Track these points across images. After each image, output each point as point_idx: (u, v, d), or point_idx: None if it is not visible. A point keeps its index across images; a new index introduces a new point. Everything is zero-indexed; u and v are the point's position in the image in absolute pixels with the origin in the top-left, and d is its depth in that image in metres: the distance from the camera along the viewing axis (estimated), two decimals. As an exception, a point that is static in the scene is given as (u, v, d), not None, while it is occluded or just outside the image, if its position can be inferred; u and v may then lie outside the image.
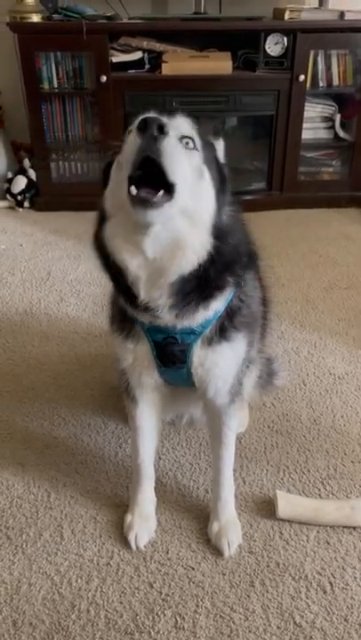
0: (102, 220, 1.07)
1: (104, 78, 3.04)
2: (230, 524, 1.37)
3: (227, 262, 1.07)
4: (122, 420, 1.67)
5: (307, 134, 3.30)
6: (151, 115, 0.96)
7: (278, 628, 1.18)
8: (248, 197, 3.33)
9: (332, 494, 1.50)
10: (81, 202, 3.10)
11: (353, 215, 3.32)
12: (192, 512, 1.45)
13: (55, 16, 3.00)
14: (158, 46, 3.08)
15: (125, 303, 1.13)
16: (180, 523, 1.42)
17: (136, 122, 0.97)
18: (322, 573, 1.29)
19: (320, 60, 3.18)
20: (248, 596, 1.24)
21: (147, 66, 3.12)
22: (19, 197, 3.36)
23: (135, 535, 1.36)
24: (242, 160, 3.45)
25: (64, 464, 1.59)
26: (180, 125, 1.00)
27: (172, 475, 1.56)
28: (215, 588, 1.26)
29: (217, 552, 1.34)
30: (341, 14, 3.03)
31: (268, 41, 3.02)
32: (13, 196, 3.36)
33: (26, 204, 3.38)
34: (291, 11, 3.01)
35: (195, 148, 1.01)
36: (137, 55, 3.08)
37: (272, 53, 3.06)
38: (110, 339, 1.29)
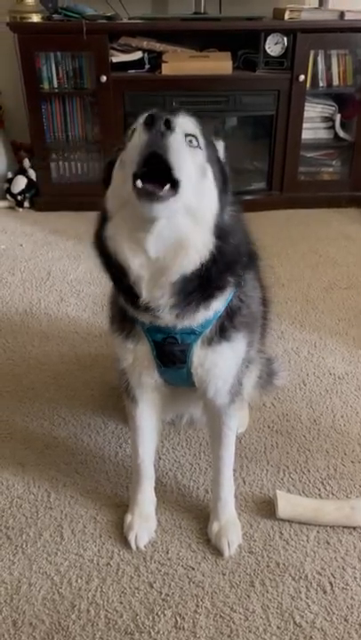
0: (104, 219, 1.07)
1: (104, 78, 3.04)
2: (230, 524, 1.37)
3: (228, 262, 1.07)
4: (122, 420, 1.67)
5: (307, 134, 3.30)
6: (157, 111, 0.96)
7: (278, 628, 1.18)
8: (248, 197, 3.33)
9: (332, 494, 1.50)
10: (81, 202, 3.12)
11: (353, 215, 3.32)
12: (192, 512, 1.45)
13: (55, 16, 3.00)
14: (158, 46, 3.08)
15: (126, 303, 1.13)
16: (180, 523, 1.42)
17: (141, 119, 0.97)
18: (322, 573, 1.29)
19: (320, 60, 3.18)
20: (248, 596, 1.24)
21: (147, 66, 3.12)
22: (19, 197, 3.36)
23: (135, 535, 1.36)
24: (242, 160, 3.45)
25: (64, 464, 1.59)
26: (184, 123, 1.00)
27: (172, 475, 1.56)
28: (215, 588, 1.26)
29: (217, 552, 1.34)
30: (341, 14, 3.03)
31: (268, 41, 3.02)
32: (13, 196, 3.36)
33: (26, 204, 3.38)
34: (291, 11, 3.01)
35: (198, 146, 1.01)
36: (137, 55, 3.08)
37: (272, 53, 3.06)
38: (110, 339, 1.29)
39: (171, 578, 1.28)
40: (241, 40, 3.13)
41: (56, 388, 1.89)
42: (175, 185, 0.96)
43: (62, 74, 3.13)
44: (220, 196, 1.05)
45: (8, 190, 3.37)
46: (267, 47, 3.04)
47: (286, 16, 3.01)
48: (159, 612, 1.21)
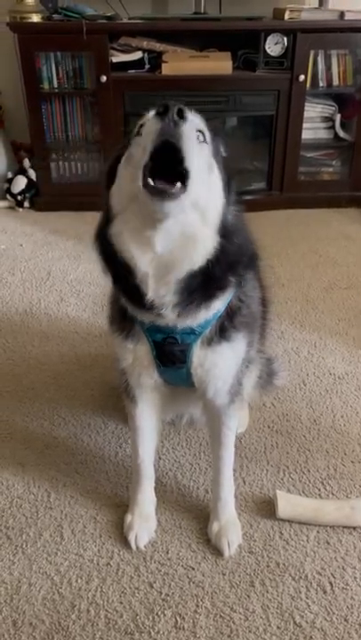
0: (107, 216, 1.07)
1: (104, 78, 3.04)
2: (230, 524, 1.37)
3: (231, 261, 1.07)
4: (122, 420, 1.67)
5: (307, 134, 3.30)
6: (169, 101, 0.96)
7: (278, 628, 1.18)
8: (248, 197, 3.33)
9: (332, 494, 1.50)
10: (81, 202, 3.13)
11: (353, 215, 3.32)
12: (192, 512, 1.45)
13: (55, 16, 3.00)
14: (158, 46, 3.08)
15: (127, 302, 1.13)
16: (180, 523, 1.42)
17: (151, 112, 0.97)
18: (322, 573, 1.29)
19: (320, 60, 3.18)
20: (248, 596, 1.24)
21: (147, 66, 3.12)
22: (19, 197, 3.36)
23: (135, 535, 1.36)
24: (242, 160, 3.45)
25: (64, 464, 1.59)
26: (193, 117, 1.00)
27: (172, 475, 1.56)
28: (215, 588, 1.26)
29: (217, 552, 1.34)
30: (341, 14, 3.02)
31: (268, 41, 3.02)
32: (13, 195, 3.36)
33: (26, 203, 3.38)
34: (291, 11, 3.01)
35: (205, 141, 1.01)
36: (137, 55, 3.08)
37: (272, 53, 3.06)
38: (110, 339, 1.29)
39: (171, 578, 1.28)
40: (241, 40, 3.13)
41: (56, 388, 1.89)
42: (184, 180, 0.96)
43: (62, 74, 3.13)
44: (225, 192, 1.05)
45: (8, 190, 3.37)
46: (267, 47, 3.04)
47: (286, 16, 3.01)
48: (159, 612, 1.21)
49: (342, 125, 3.32)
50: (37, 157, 3.31)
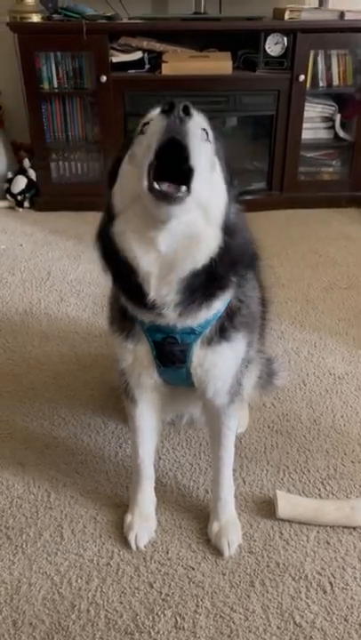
0: (109, 216, 1.06)
1: (104, 78, 3.04)
2: (230, 524, 1.37)
3: (233, 261, 1.07)
4: (122, 420, 1.67)
5: (307, 134, 3.30)
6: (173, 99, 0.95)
7: (278, 628, 1.18)
8: (248, 197, 3.32)
9: (332, 494, 1.50)
10: (81, 202, 3.13)
11: (353, 215, 3.32)
12: (192, 512, 1.45)
13: (55, 16, 3.00)
14: (158, 46, 3.08)
15: (128, 301, 1.12)
16: (180, 523, 1.42)
17: (155, 111, 0.97)
18: (322, 573, 1.29)
19: (320, 60, 3.18)
20: (248, 596, 1.24)
21: (147, 66, 3.12)
22: (19, 197, 3.36)
23: (135, 535, 1.36)
24: (242, 160, 3.45)
25: (64, 464, 1.59)
26: (197, 115, 0.99)
27: (172, 475, 1.56)
28: (215, 588, 1.26)
29: (217, 552, 1.34)
30: (341, 14, 3.02)
31: (268, 41, 3.02)
32: (13, 195, 3.36)
33: (26, 203, 3.38)
34: (291, 11, 3.01)
35: (208, 139, 1.01)
36: (137, 55, 3.08)
37: (272, 53, 3.06)
38: (110, 339, 1.29)
39: (171, 578, 1.28)
40: (241, 40, 3.13)
41: (56, 388, 1.89)
42: (189, 179, 0.95)
43: (62, 74, 3.13)
44: (227, 190, 1.05)
45: (8, 190, 3.37)
46: (267, 47, 3.04)
47: (286, 16, 3.00)
48: (159, 612, 1.21)
49: (342, 125, 3.32)
50: (37, 157, 3.31)
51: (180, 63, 3.04)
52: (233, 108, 3.17)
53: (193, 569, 1.30)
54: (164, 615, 1.21)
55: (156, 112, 0.97)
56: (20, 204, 3.37)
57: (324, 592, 1.25)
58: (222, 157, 1.05)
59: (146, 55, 3.10)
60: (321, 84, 3.24)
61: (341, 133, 3.34)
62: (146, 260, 1.03)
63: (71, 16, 2.96)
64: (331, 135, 3.37)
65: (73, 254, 2.81)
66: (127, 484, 1.50)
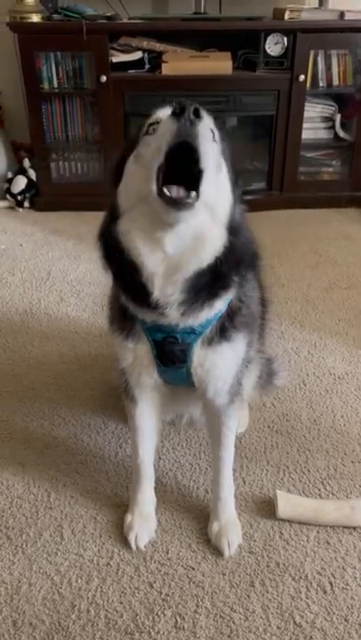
0: (113, 216, 1.06)
1: (104, 78, 3.04)
2: (230, 524, 1.37)
3: (236, 260, 1.07)
4: (122, 420, 1.67)
5: (307, 134, 3.30)
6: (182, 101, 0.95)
7: (278, 628, 1.18)
8: (248, 197, 3.32)
9: (333, 494, 1.50)
10: (81, 202, 3.13)
11: (353, 215, 3.32)
12: (192, 512, 1.45)
13: (55, 16, 3.00)
14: (158, 46, 3.07)
15: (129, 301, 1.12)
16: (180, 523, 1.42)
17: (161, 112, 0.97)
18: (322, 573, 1.29)
19: (320, 60, 3.18)
20: (248, 596, 1.24)
21: (147, 66, 3.12)
22: (19, 197, 3.36)
23: (135, 535, 1.36)
24: (242, 160, 3.45)
25: (64, 464, 1.59)
26: (205, 116, 0.99)
27: (172, 475, 1.56)
28: (215, 588, 1.26)
29: (217, 552, 1.34)
30: (341, 14, 3.02)
31: (268, 41, 3.02)
32: (13, 195, 3.36)
33: (26, 203, 3.38)
34: (291, 11, 3.01)
35: (214, 139, 1.00)
36: (137, 55, 3.08)
37: (272, 53, 3.06)
38: (110, 338, 1.29)
39: (171, 578, 1.28)
40: (241, 40, 3.13)
41: (56, 388, 1.89)
42: (197, 182, 0.95)
43: (62, 74, 3.13)
44: (232, 191, 1.05)
45: (8, 190, 3.37)
46: (267, 47, 3.04)
47: (286, 16, 3.00)
48: (159, 612, 1.21)
49: (342, 125, 3.32)
50: (37, 157, 3.31)
51: (180, 63, 3.04)
52: (233, 107, 3.17)
53: (193, 569, 1.30)
54: (164, 615, 1.21)
55: (163, 113, 0.97)
56: (20, 204, 3.37)
57: (325, 592, 1.25)
58: (228, 157, 1.05)
59: (146, 55, 3.10)
60: (321, 84, 3.24)
61: (341, 133, 3.34)
62: (152, 260, 1.03)
63: (71, 16, 2.96)
64: (331, 135, 3.37)
65: (73, 254, 2.81)
66: (127, 484, 1.50)
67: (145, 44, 3.06)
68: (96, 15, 3.01)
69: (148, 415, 1.36)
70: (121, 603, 1.24)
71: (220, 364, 1.19)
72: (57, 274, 2.64)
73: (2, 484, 1.53)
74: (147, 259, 1.03)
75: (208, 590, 1.26)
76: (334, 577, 1.28)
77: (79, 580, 1.28)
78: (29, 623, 1.20)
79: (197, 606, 1.23)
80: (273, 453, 1.62)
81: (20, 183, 3.35)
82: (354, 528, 1.39)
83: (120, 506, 1.46)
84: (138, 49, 3.07)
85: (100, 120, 3.20)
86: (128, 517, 1.40)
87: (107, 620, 1.20)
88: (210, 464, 1.48)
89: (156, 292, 1.05)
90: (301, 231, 3.10)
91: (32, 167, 3.38)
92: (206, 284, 1.05)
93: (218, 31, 3.11)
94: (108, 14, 3.06)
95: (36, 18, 3.00)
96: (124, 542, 1.36)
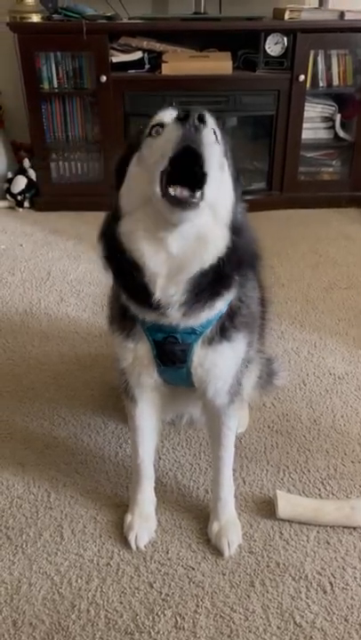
0: (115, 216, 1.06)
1: (104, 78, 3.04)
2: (230, 524, 1.37)
3: (239, 260, 1.07)
4: (122, 420, 1.67)
5: (307, 134, 3.30)
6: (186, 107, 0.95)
7: (278, 628, 1.18)
8: (248, 197, 3.32)
9: (333, 494, 1.50)
10: (81, 202, 3.13)
11: (353, 215, 3.32)
12: (192, 512, 1.45)
13: (55, 16, 3.00)
14: (158, 46, 3.08)
15: (130, 301, 1.12)
16: (180, 523, 1.42)
17: (164, 115, 0.97)
18: (322, 573, 1.29)
19: (320, 60, 3.18)
20: (248, 596, 1.24)
21: (147, 66, 3.12)
22: (19, 197, 3.36)
23: (135, 535, 1.36)
24: (242, 160, 3.44)
25: (64, 464, 1.59)
26: (209, 118, 0.99)
27: (172, 475, 1.56)
28: (215, 588, 1.26)
29: (217, 552, 1.34)
30: (341, 14, 3.02)
31: (268, 41, 3.02)
32: (13, 195, 3.36)
33: (26, 203, 3.38)
34: (291, 11, 3.01)
35: (217, 140, 1.00)
36: (137, 55, 3.08)
37: (272, 53, 3.06)
38: (110, 339, 1.29)
39: (171, 578, 1.28)
40: (241, 40, 3.13)
41: (56, 388, 1.89)
42: (201, 183, 0.95)
43: (62, 74, 3.13)
44: (234, 190, 1.05)
45: (8, 190, 3.37)
46: (267, 47, 3.04)
47: (286, 16, 3.00)
48: (159, 612, 1.21)
49: (342, 125, 3.32)
50: (37, 157, 3.31)
51: (180, 63, 3.04)
52: (233, 108, 3.17)
53: (193, 569, 1.30)
54: (164, 615, 1.21)
55: (165, 114, 0.97)
56: (20, 204, 3.37)
57: (325, 592, 1.25)
58: (230, 157, 1.06)
59: (146, 55, 3.10)
60: (321, 84, 3.24)
61: (341, 133, 3.34)
62: (155, 261, 1.03)
63: (71, 16, 2.96)
64: (331, 135, 3.37)
65: (73, 254, 2.81)
66: (127, 484, 1.50)
67: (145, 44, 3.06)
68: (96, 15, 3.01)
69: (148, 415, 1.36)
70: (121, 603, 1.24)
71: (220, 364, 1.19)
72: (57, 274, 2.64)
73: (2, 484, 1.53)
74: (150, 259, 1.03)
75: (208, 590, 1.26)
76: (334, 577, 1.28)
77: (79, 580, 1.28)
78: (29, 623, 1.20)
79: (197, 606, 1.23)
80: (273, 453, 1.62)
81: (20, 183, 3.35)
82: (354, 528, 1.39)
83: (120, 506, 1.46)
84: (138, 49, 3.07)
85: (100, 120, 3.20)
86: (128, 517, 1.40)
87: (107, 619, 1.20)
88: (210, 464, 1.48)
89: (158, 293, 1.05)
90: (301, 231, 3.10)
91: (32, 167, 3.38)
92: (208, 285, 1.05)
93: (218, 31, 3.11)
94: (108, 14, 3.06)
95: (36, 18, 3.00)
96: (124, 542, 1.36)
